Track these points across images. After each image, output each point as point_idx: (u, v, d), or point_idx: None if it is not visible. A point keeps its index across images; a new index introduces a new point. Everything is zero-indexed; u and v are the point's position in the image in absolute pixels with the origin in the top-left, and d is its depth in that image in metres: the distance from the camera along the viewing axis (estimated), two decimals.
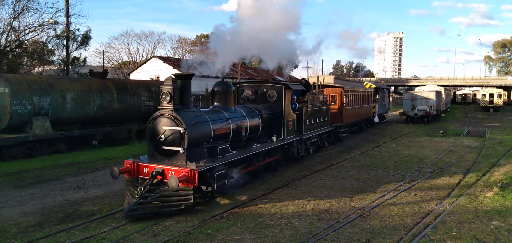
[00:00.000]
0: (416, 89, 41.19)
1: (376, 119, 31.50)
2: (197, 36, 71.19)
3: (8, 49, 24.59)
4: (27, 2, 24.11)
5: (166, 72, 32.54)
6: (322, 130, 16.34)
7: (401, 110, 35.90)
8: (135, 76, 40.57)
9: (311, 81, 20.31)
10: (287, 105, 12.87)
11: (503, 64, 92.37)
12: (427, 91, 34.97)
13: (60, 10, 25.65)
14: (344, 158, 16.29)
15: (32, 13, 25.03)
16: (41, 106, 15.75)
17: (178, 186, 8.25)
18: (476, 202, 10.04)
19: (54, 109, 16.19)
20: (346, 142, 20.92)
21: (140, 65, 45.48)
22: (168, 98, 8.83)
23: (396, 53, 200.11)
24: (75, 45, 27.84)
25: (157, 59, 40.78)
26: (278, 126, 12.70)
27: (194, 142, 9.03)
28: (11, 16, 23.94)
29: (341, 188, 11.39)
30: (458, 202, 10.01)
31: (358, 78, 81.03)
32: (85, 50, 30.15)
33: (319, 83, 18.01)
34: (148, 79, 30.50)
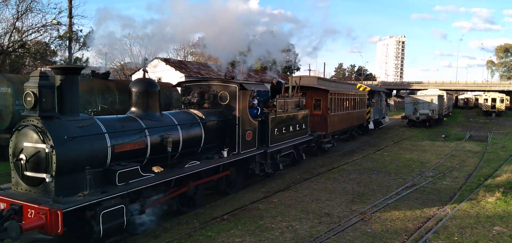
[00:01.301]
0: (418, 93, 41.09)
1: (371, 126, 28.52)
2: (199, 37, 71.27)
3: (11, 49, 24.68)
4: (30, 3, 24.20)
5: (168, 73, 32.58)
6: (298, 139, 13.94)
7: (403, 114, 35.82)
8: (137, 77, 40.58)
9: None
10: (243, 110, 10.41)
11: (505, 68, 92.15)
12: (429, 95, 34.88)
13: (63, 11, 25.69)
14: (345, 162, 16.25)
15: (35, 13, 25.06)
16: None
17: (20, 236, 5.58)
18: (478, 207, 9.99)
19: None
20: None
21: (142, 67, 45.35)
22: (32, 102, 6.31)
23: (398, 57, 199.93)
24: (77, 46, 27.94)
25: (159, 60, 40.84)
26: (231, 137, 10.29)
27: (71, 165, 6.48)
28: (14, 16, 24.03)
29: (343, 192, 11.36)
30: (460, 207, 9.96)
31: (360, 81, 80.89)
32: (88, 51, 30.22)
33: (296, 84, 15.47)
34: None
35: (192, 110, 9.95)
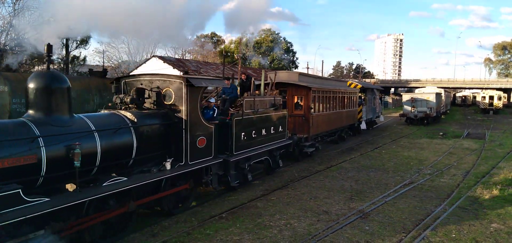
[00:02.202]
0: (416, 90, 41.18)
1: (363, 126, 26.34)
2: (197, 36, 71.18)
3: (8, 47, 24.58)
4: (27, 1, 24.11)
5: (166, 72, 32.54)
6: (273, 144, 12.30)
7: (401, 112, 35.90)
8: None
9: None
10: (193, 111, 8.61)
11: (503, 66, 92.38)
12: (427, 93, 34.98)
13: None
14: (343, 159, 16.26)
15: (32, 11, 24.98)
16: None
17: None
18: (476, 204, 10.02)
19: None
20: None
21: (140, 65, 45.47)
22: None
23: (396, 55, 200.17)
24: (75, 44, 27.83)
25: (157, 58, 40.78)
26: (177, 144, 8.51)
27: None
28: (11, 14, 23.94)
29: (341, 189, 11.37)
30: (458, 204, 9.98)
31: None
32: (85, 49, 30.14)
33: (270, 81, 13.86)
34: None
35: (122, 112, 7.99)
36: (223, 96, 11.29)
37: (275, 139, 12.50)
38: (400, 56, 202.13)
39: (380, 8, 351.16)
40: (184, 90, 8.49)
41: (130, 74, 12.00)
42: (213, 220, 8.51)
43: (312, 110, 16.25)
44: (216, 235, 7.68)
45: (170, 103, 8.69)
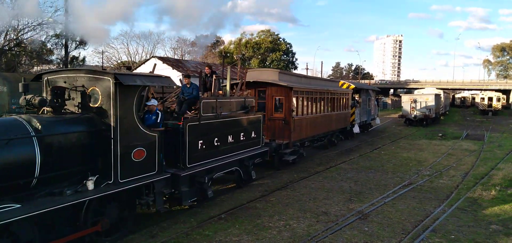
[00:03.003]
0: (415, 92, 41.24)
1: (356, 129, 24.14)
2: (196, 36, 71.22)
3: (6, 48, 24.55)
4: (26, 1, 24.08)
5: (165, 72, 32.53)
6: (244, 153, 10.76)
7: (400, 113, 35.94)
8: None
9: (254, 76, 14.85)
10: (126, 115, 7.02)
11: (502, 67, 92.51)
12: (426, 94, 35.05)
13: (59, 9, 25.60)
14: (342, 160, 16.26)
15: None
16: None
17: None
18: (474, 205, 10.02)
19: None
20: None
21: (139, 66, 45.47)
22: None
23: (396, 56, 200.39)
24: (74, 45, 27.83)
25: (156, 59, 40.78)
26: (105, 158, 6.85)
27: None
28: (10, 15, 23.91)
29: (340, 190, 11.36)
30: (457, 205, 9.98)
31: (356, 80, 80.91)
32: (84, 49, 30.10)
33: (241, 79, 12.37)
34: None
35: (24, 117, 6.30)
36: (181, 96, 9.69)
37: (247, 146, 10.94)
38: (400, 57, 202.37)
39: (379, 9, 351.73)
40: (112, 90, 6.78)
41: (52, 69, 10.02)
42: (212, 221, 8.50)
43: (294, 113, 14.58)
44: (215, 236, 7.67)
45: (96, 106, 7.00)
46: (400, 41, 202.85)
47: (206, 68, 11.91)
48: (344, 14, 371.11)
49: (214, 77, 11.20)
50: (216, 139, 9.63)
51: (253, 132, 11.31)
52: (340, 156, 17.53)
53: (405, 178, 13.25)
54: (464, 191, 11.45)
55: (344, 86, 23.48)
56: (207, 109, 9.36)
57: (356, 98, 24.97)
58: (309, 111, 16.38)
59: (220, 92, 11.02)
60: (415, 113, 32.96)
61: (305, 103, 15.85)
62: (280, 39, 66.27)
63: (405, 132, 28.31)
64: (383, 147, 20.73)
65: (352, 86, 24.17)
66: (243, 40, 63.97)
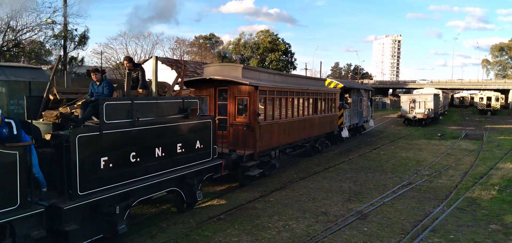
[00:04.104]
0: (414, 92, 41.30)
1: (345, 134, 21.66)
2: (195, 37, 71.25)
3: (5, 48, 24.51)
4: (24, 2, 24.05)
5: (164, 72, 32.51)
6: (185, 169, 8.55)
7: (399, 113, 35.98)
8: None
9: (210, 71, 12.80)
10: None
11: (500, 67, 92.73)
12: (425, 94, 35.11)
13: (58, 10, 25.56)
14: (342, 161, 16.26)
15: (30, 12, 24.92)
16: None
17: None
18: (474, 205, 10.03)
19: None
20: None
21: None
22: None
23: (395, 56, 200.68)
24: (72, 45, 27.79)
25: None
26: None
27: None
28: (8, 15, 23.88)
29: (339, 191, 11.36)
30: (456, 205, 9.99)
31: (356, 81, 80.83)
32: (83, 50, 30.05)
33: (179, 73, 10.04)
34: (146, 79, 30.34)
35: None
36: (88, 98, 7.91)
37: (190, 160, 8.70)
38: (398, 57, 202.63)
39: (378, 10, 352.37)
40: None
41: None
42: (211, 222, 8.49)
43: (262, 117, 12.32)
44: (214, 236, 7.66)
45: None
46: (399, 41, 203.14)
47: (126, 61, 8.70)
48: (343, 14, 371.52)
49: (138, 72, 8.75)
50: (133, 154, 7.27)
51: (198, 142, 8.97)
52: (339, 156, 17.53)
53: (404, 178, 13.26)
54: (463, 191, 11.46)
55: (332, 85, 21.02)
56: (116, 114, 6.97)
57: (347, 98, 22.76)
58: (283, 114, 13.86)
59: (141, 91, 8.36)
60: (414, 113, 33.02)
61: (277, 104, 13.40)
62: (279, 39, 66.34)
63: (404, 132, 28.33)
64: (382, 147, 20.74)
65: (340, 85, 21.76)
66: (242, 41, 63.98)
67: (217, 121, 10.87)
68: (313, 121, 16.65)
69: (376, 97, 61.57)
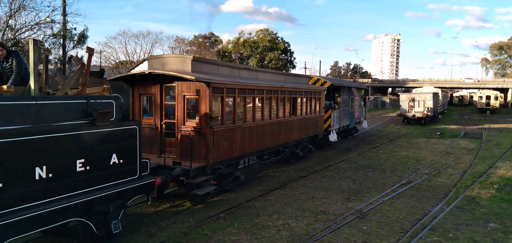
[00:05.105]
0: (414, 90, 41.36)
1: (333, 137, 19.39)
2: (194, 36, 71.21)
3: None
4: (23, 1, 24.00)
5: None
6: (94, 193, 6.56)
7: (398, 112, 36.01)
8: None
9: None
10: None
11: (499, 66, 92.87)
12: (424, 93, 35.15)
13: (57, 9, 25.53)
14: (341, 159, 16.27)
15: (29, 11, 24.92)
16: None
17: None
18: (473, 204, 10.05)
19: None
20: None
21: (138, 65, 45.40)
22: None
23: (394, 55, 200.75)
24: (72, 44, 27.75)
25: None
26: None
27: None
28: (7, 14, 23.83)
29: (338, 189, 11.37)
30: (455, 204, 10.00)
31: (354, 79, 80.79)
32: (82, 49, 30.05)
33: (81, 64, 7.55)
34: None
35: None
36: None
37: (100, 181, 6.72)
38: (398, 56, 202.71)
39: (377, 8, 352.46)
40: None
41: None
42: (211, 221, 8.49)
43: (218, 121, 10.24)
44: (214, 235, 7.67)
45: None
46: (398, 40, 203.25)
47: None
48: (342, 13, 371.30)
49: (11, 60, 6.76)
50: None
51: (114, 156, 6.93)
52: (338, 155, 17.54)
53: (403, 176, 13.27)
54: (462, 190, 11.48)
55: (318, 84, 18.83)
56: None
57: (336, 98, 20.71)
58: (250, 117, 11.77)
59: (5, 87, 6.20)
60: (413, 112, 33.05)
61: (241, 105, 11.38)
62: (278, 38, 66.30)
63: (403, 131, 28.35)
64: (381, 146, 20.76)
65: (328, 83, 19.32)
66: (241, 39, 63.96)
67: (163, 126, 9.97)
68: (291, 124, 14.56)
69: (370, 97, 61.35)
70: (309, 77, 19.11)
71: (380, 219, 8.76)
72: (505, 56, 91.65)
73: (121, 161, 7.06)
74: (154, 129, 10.27)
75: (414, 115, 32.89)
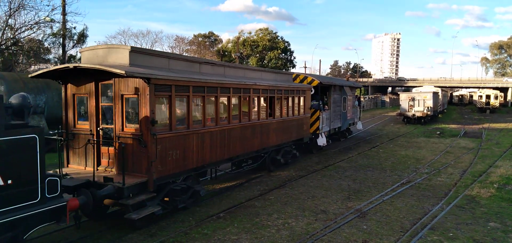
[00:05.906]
0: (413, 90, 41.34)
1: (322, 141, 17.60)
2: (194, 35, 71.16)
3: (3, 47, 24.44)
4: (22, 0, 23.99)
5: None
6: None
7: (398, 111, 36.01)
8: None
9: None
10: None
11: (499, 65, 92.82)
12: (424, 92, 35.14)
13: (56, 8, 25.51)
14: (341, 159, 16.27)
15: (28, 10, 24.90)
16: (37, 104, 15.69)
17: None
18: (473, 203, 10.04)
19: (50, 108, 16.15)
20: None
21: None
22: None
23: (394, 54, 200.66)
24: (71, 43, 27.73)
25: None
26: None
27: None
28: (6, 13, 23.80)
29: (338, 189, 11.37)
30: (455, 203, 10.00)
31: (354, 79, 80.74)
32: (82, 48, 30.08)
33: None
34: None
35: None
36: None
37: None
38: (398, 55, 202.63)
39: (377, 8, 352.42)
40: None
41: None
42: (211, 220, 8.49)
43: (165, 125, 8.50)
44: (214, 234, 7.66)
45: None
46: (398, 39, 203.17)
47: None
48: (342, 13, 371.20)
49: None
50: None
51: None
52: (338, 154, 17.53)
53: (403, 176, 13.27)
54: (462, 189, 11.47)
55: (305, 82, 16.99)
56: None
57: (326, 98, 18.99)
58: (211, 119, 10.12)
59: None
60: (413, 111, 33.05)
61: (200, 106, 9.70)
62: (278, 38, 66.28)
63: (403, 130, 28.34)
64: (381, 145, 20.76)
65: (316, 81, 17.18)
66: (241, 39, 63.92)
67: (101, 131, 8.35)
68: (267, 127, 12.83)
69: (371, 96, 61.39)
70: (291, 74, 17.22)
71: (380, 218, 8.76)
72: (505, 55, 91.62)
73: (9, 181, 5.46)
74: (89, 137, 8.34)
75: (414, 115, 32.89)
